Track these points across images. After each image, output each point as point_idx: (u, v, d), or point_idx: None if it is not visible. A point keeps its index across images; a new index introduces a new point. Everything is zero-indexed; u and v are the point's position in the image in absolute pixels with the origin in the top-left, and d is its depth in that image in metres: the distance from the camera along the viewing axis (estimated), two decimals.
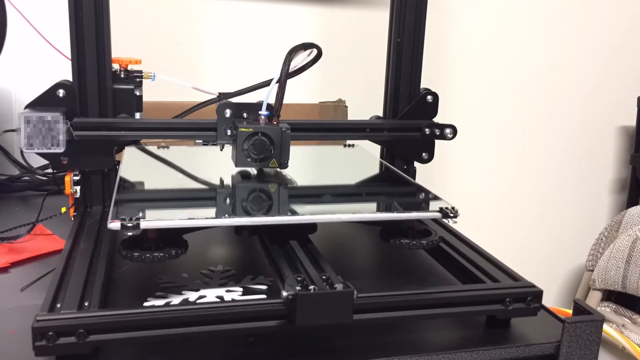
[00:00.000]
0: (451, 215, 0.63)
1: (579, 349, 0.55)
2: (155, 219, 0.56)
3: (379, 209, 0.67)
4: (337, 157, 0.94)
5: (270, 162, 0.71)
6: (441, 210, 0.64)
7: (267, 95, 0.72)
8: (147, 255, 0.58)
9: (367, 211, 0.69)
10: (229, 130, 0.74)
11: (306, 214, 0.63)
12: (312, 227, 0.66)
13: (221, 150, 0.77)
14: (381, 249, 0.78)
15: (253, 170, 0.76)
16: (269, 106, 0.73)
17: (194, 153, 0.89)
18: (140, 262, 0.58)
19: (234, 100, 0.74)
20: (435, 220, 0.77)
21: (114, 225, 0.55)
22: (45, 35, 0.95)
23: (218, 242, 0.78)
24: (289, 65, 0.72)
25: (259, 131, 0.71)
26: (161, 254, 0.58)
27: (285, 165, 0.72)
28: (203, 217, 0.59)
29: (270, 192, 0.71)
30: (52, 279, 0.55)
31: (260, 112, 0.73)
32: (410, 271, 0.72)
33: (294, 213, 0.64)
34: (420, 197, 0.73)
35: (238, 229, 0.65)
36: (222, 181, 0.75)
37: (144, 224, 0.55)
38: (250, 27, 1.30)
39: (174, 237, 0.60)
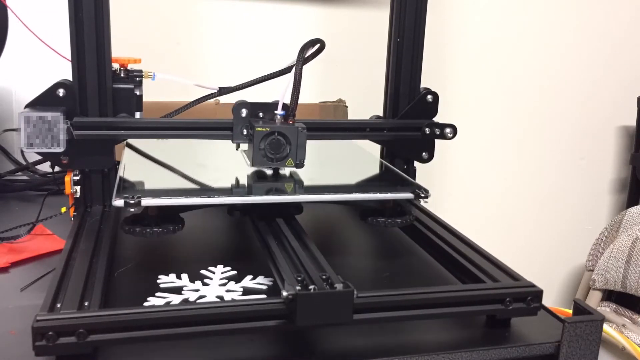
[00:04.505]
0: (422, 195, 0.70)
1: (579, 349, 0.55)
2: (154, 198, 0.63)
3: (354, 191, 0.70)
4: (324, 148, 0.95)
5: (286, 161, 0.72)
6: (413, 191, 0.70)
7: (283, 95, 0.72)
8: (148, 230, 0.65)
9: (344, 193, 0.71)
10: (245, 130, 0.74)
11: (291, 195, 0.71)
12: (298, 208, 0.73)
13: (237, 149, 0.77)
14: (383, 251, 0.79)
15: (247, 162, 0.77)
16: (284, 106, 0.73)
17: (190, 144, 0.90)
18: (142, 237, 0.65)
19: (250, 100, 0.75)
20: (436, 221, 0.77)
21: (118, 202, 0.61)
22: (45, 36, 0.95)
23: (218, 242, 0.78)
24: (302, 64, 0.72)
25: (275, 131, 0.71)
26: (160, 229, 0.65)
27: (301, 165, 0.73)
28: (198, 196, 0.65)
29: (260, 177, 0.75)
30: (52, 279, 0.55)
31: (275, 112, 0.73)
32: (410, 271, 0.72)
33: (279, 194, 0.70)
34: (396, 181, 0.79)
35: (230, 209, 0.72)
36: (217, 169, 0.80)
37: (145, 202, 0.61)
38: (250, 27, 1.30)
39: (172, 216, 0.67)
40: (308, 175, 0.77)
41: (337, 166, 0.90)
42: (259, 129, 0.71)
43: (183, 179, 0.75)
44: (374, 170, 0.87)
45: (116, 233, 0.71)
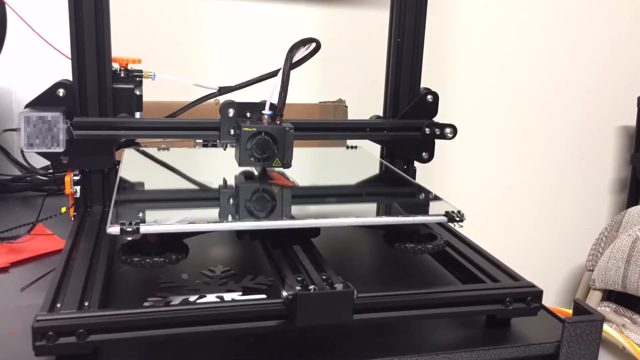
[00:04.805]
0: (457, 219, 0.62)
1: (579, 349, 0.55)
2: (154, 224, 0.55)
3: (383, 213, 0.66)
4: (339, 159, 0.94)
5: (273, 161, 0.71)
6: (447, 214, 0.63)
7: (270, 95, 0.72)
8: (147, 260, 0.56)
9: (371, 215, 0.68)
10: (232, 130, 0.74)
11: (309, 217, 0.62)
12: (314, 230, 0.65)
13: (224, 150, 0.77)
14: (383, 251, 0.78)
15: (255, 172, 0.76)
16: (272, 106, 0.73)
17: (194, 155, 0.89)
18: (140, 267, 0.57)
19: (238, 100, 0.75)
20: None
21: (114, 230, 0.53)
22: (45, 35, 0.95)
23: (218, 243, 0.78)
24: (290, 63, 0.72)
25: (262, 130, 0.71)
26: (161, 259, 0.57)
27: (288, 165, 0.72)
28: (204, 221, 0.58)
29: (272, 195, 0.70)
30: (52, 279, 0.55)
31: (263, 112, 0.73)
32: (410, 271, 0.71)
33: (295, 217, 0.62)
34: (425, 200, 0.72)
35: (239, 233, 0.64)
36: (222, 184, 0.74)
37: (143, 229, 0.54)
38: (251, 27, 1.30)
39: (174, 242, 0.59)
40: (324, 190, 0.75)
41: (352, 177, 0.85)
42: (246, 129, 0.70)
43: (186, 190, 0.73)
44: (394, 182, 0.82)
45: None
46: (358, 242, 0.81)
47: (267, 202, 0.68)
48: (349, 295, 0.50)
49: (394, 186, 0.81)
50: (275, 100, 0.73)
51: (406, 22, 0.86)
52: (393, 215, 0.65)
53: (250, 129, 0.71)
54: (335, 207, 0.72)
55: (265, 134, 0.71)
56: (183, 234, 0.59)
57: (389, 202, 0.76)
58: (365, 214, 0.66)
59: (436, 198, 0.70)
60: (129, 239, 0.54)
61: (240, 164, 0.72)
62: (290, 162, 0.72)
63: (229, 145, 0.76)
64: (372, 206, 0.76)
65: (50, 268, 0.64)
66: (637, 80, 1.62)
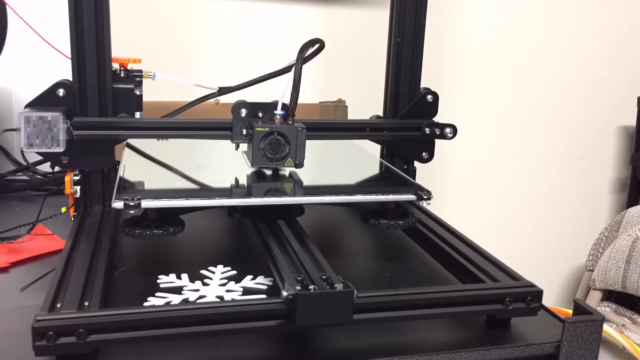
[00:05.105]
0: (425, 197, 0.69)
1: (579, 349, 0.55)
2: (154, 200, 0.62)
3: (357, 193, 0.70)
4: (324, 148, 0.95)
5: (285, 161, 0.72)
6: (416, 193, 0.69)
7: (282, 95, 0.72)
8: (147, 232, 0.64)
9: (346, 194, 0.71)
10: (244, 130, 0.74)
11: (292, 196, 0.70)
12: (299, 209, 0.73)
13: (236, 149, 0.77)
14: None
15: (248, 163, 0.77)
16: (284, 106, 0.73)
17: (190, 144, 0.90)
18: (141, 239, 0.64)
19: (250, 100, 0.75)
20: (436, 221, 0.77)
21: (118, 204, 0.60)
22: (45, 35, 0.95)
23: (218, 242, 0.78)
24: (302, 64, 0.72)
25: (275, 130, 0.71)
26: (160, 231, 0.65)
27: (300, 165, 0.73)
28: (198, 198, 0.64)
29: (261, 178, 0.75)
30: (52, 279, 0.55)
31: (275, 112, 0.73)
32: (411, 271, 0.72)
33: (281, 196, 0.70)
34: (399, 183, 0.78)
35: (231, 211, 0.71)
36: (217, 169, 0.79)
37: (144, 204, 0.61)
38: (250, 27, 1.30)
39: (172, 218, 0.67)
40: (309, 175, 0.77)
41: (338, 167, 0.90)
42: (259, 129, 0.71)
43: (183, 179, 0.74)
44: (375, 170, 0.87)
45: (116, 233, 0.71)
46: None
47: (256, 184, 0.74)
48: (349, 295, 0.50)
49: (373, 172, 0.87)
50: (287, 100, 0.73)
51: (406, 22, 0.86)
52: (366, 194, 0.70)
53: (263, 129, 0.71)
54: (318, 189, 0.75)
55: (278, 133, 0.71)
56: (180, 209, 0.67)
57: (365, 184, 0.80)
58: (342, 194, 0.70)
59: (408, 181, 0.77)
60: (132, 212, 0.61)
61: (253, 164, 0.72)
62: (303, 161, 0.73)
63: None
64: (350, 188, 0.78)
65: (50, 268, 0.64)
66: (637, 80, 1.62)
